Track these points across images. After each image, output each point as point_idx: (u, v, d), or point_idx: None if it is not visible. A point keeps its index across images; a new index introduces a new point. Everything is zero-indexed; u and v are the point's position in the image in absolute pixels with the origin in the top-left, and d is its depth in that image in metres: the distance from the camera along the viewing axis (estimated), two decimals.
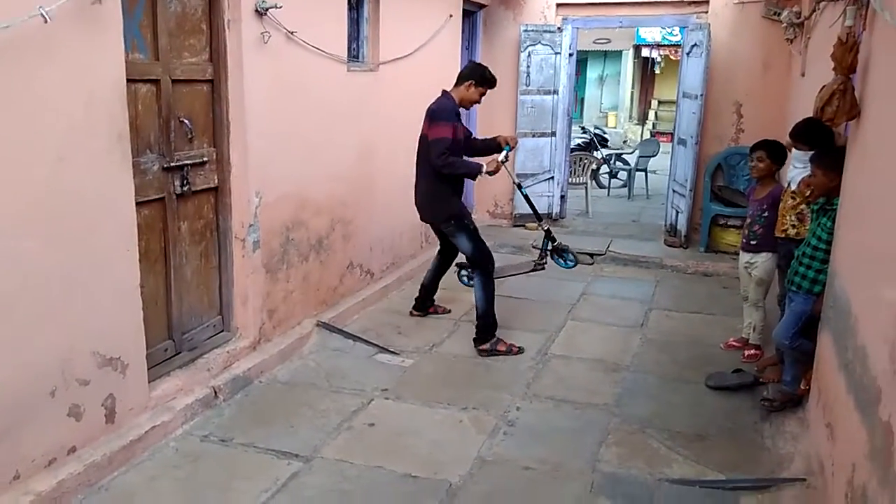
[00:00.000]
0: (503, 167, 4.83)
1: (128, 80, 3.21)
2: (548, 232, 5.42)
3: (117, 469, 3.19)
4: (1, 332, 2.73)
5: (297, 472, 3.26)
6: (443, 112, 4.61)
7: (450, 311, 5.44)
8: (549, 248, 5.44)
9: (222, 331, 4.23)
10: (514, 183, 5.19)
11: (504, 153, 4.80)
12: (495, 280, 4.83)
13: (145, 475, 3.20)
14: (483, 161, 4.72)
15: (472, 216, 8.34)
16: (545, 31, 7.83)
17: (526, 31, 7.83)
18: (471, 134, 5.04)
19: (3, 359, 2.75)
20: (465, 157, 4.78)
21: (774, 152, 4.46)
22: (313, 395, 4.06)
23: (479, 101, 4.85)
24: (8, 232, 2.71)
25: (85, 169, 3.01)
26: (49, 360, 2.94)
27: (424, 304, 5.37)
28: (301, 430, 3.63)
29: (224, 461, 3.35)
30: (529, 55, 7.88)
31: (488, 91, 4.83)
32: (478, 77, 4.70)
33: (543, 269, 5.45)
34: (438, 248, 5.35)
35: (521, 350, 4.70)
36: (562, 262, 5.51)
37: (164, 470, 3.25)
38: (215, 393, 3.85)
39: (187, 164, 3.76)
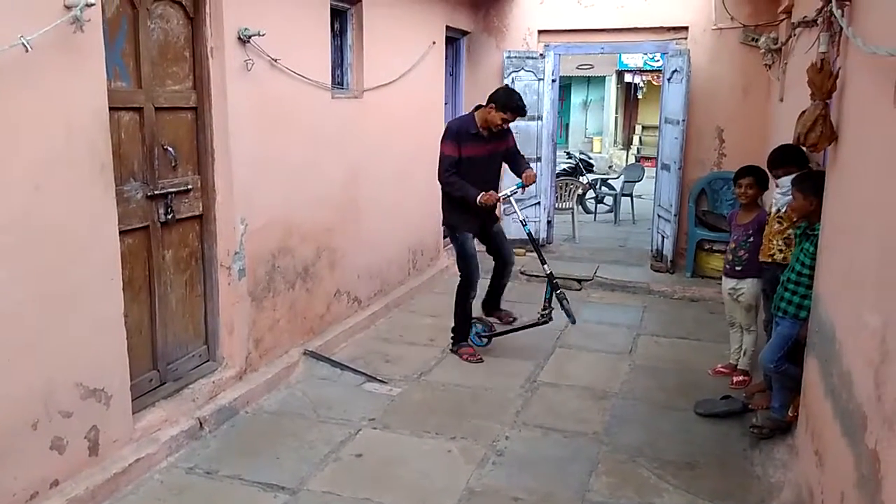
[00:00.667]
0: (512, 202, 5.12)
1: (110, 109, 3.21)
2: (550, 276, 4.95)
3: (101, 503, 3.13)
4: None
5: None
6: (448, 131, 5.00)
7: (515, 320, 5.57)
8: (552, 295, 4.96)
9: (208, 360, 4.18)
10: (520, 220, 5.05)
11: (514, 188, 5.08)
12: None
13: None
14: (487, 190, 4.89)
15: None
16: (528, 58, 7.92)
17: (509, 57, 7.91)
18: (515, 150, 5.21)
19: None
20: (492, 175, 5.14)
21: (762, 178, 4.52)
22: (300, 425, 4.01)
23: (501, 125, 4.91)
24: None
25: (65, 198, 2.99)
26: (31, 391, 2.89)
27: (487, 305, 5.65)
28: (288, 462, 3.58)
29: (209, 494, 3.30)
30: (513, 81, 7.94)
31: (517, 118, 4.95)
32: (500, 103, 4.85)
33: (550, 320, 5.03)
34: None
35: (479, 360, 4.99)
36: (566, 315, 4.87)
37: (148, 503, 3.19)
38: (201, 424, 3.80)
39: (171, 192, 3.75)
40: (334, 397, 4.37)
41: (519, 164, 5.22)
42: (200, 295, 4.11)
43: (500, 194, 4.99)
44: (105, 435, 3.25)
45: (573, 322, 4.89)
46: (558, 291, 4.88)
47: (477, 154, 4.94)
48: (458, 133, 4.93)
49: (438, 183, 5.04)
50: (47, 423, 2.96)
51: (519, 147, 8.18)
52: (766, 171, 4.47)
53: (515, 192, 5.11)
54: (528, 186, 5.11)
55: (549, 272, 4.96)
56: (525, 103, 4.91)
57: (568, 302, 4.84)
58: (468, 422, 4.06)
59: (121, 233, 3.35)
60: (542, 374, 4.83)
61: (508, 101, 4.84)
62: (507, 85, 5.22)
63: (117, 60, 3.40)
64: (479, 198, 4.81)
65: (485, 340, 5.18)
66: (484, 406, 4.29)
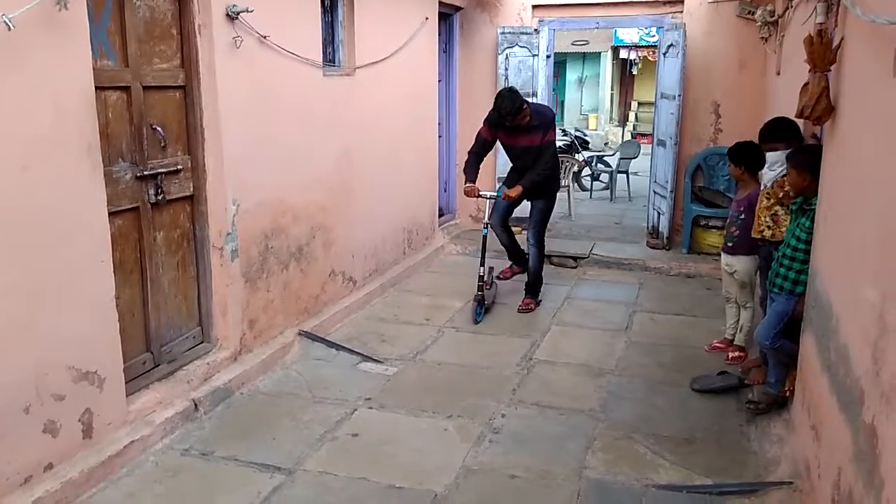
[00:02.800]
0: (483, 199, 5.54)
1: (97, 88, 3.15)
2: (482, 278, 5.40)
3: (95, 485, 3.12)
4: None
5: (280, 485, 3.21)
6: (488, 116, 5.47)
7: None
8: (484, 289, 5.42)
9: (202, 342, 4.16)
10: (483, 221, 5.52)
11: (494, 195, 5.52)
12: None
13: (124, 491, 3.13)
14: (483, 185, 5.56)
15: (454, 221, 8.35)
16: (522, 33, 7.83)
17: (503, 33, 7.82)
18: (541, 149, 5.36)
19: None
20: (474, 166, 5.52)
21: (741, 158, 4.47)
22: (296, 405, 4.00)
23: (504, 125, 5.30)
24: None
25: (53, 178, 2.94)
26: (21, 375, 2.86)
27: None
28: (283, 442, 3.57)
29: (205, 475, 3.29)
30: (507, 57, 7.87)
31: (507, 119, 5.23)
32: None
33: (483, 304, 5.41)
34: None
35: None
36: (478, 311, 5.36)
37: (143, 485, 3.18)
38: (195, 406, 3.78)
39: (161, 173, 3.69)
40: (330, 377, 4.35)
41: (532, 164, 5.39)
42: (193, 276, 4.07)
43: (482, 193, 5.46)
44: (99, 418, 3.23)
45: (474, 321, 5.29)
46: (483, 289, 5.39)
47: (508, 142, 5.46)
48: (494, 120, 5.38)
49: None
50: (39, 407, 2.94)
51: None
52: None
53: (493, 199, 5.50)
54: (505, 200, 5.43)
55: (482, 274, 5.42)
56: (506, 105, 5.10)
57: (481, 306, 5.34)
58: (464, 400, 4.05)
59: (111, 214, 3.30)
60: (538, 351, 4.83)
61: (495, 102, 5.21)
62: (510, 87, 5.64)
63: (102, 39, 3.33)
64: (465, 187, 5.47)
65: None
66: (480, 384, 4.28)
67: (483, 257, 5.41)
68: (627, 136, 18.87)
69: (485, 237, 5.48)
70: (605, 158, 11.99)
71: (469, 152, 5.52)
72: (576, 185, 10.30)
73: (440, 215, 7.78)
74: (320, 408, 3.95)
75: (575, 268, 7.00)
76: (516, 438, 3.65)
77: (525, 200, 5.65)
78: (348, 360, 4.62)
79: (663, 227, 7.43)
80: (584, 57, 22.96)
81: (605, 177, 11.42)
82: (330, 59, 5.29)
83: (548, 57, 7.96)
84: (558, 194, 9.21)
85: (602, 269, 6.98)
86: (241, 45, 4.04)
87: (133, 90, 3.50)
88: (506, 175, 5.80)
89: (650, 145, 8.20)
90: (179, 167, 3.84)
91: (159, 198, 3.69)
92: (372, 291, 5.82)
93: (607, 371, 4.50)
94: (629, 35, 19.74)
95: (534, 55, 7.87)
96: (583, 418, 3.87)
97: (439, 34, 7.20)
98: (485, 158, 5.61)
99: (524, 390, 4.22)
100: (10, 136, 2.75)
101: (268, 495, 3.12)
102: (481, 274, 5.36)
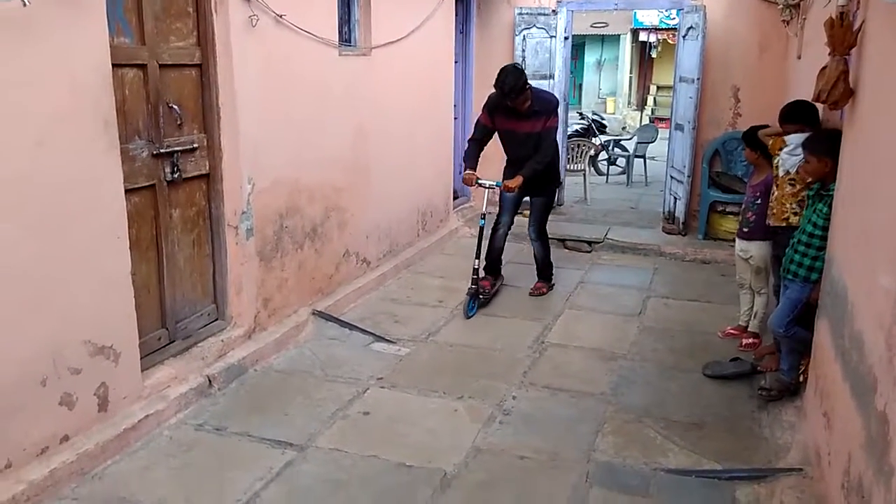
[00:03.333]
0: (482, 189, 5.22)
1: (113, 65, 3.16)
2: (476, 271, 5.14)
3: (111, 458, 3.17)
4: None
5: (292, 460, 3.25)
6: (487, 100, 5.24)
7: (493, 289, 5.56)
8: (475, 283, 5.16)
9: (217, 319, 4.20)
10: (482, 212, 5.25)
11: (493, 184, 5.18)
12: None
13: (139, 464, 3.18)
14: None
15: (469, 203, 8.33)
16: (540, 14, 7.75)
17: (520, 14, 7.75)
18: (542, 136, 5.10)
19: None
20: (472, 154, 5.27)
21: (752, 140, 4.42)
22: (309, 383, 4.03)
23: (514, 105, 5.01)
24: None
25: (69, 155, 2.97)
26: (39, 348, 2.91)
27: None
28: (296, 419, 3.61)
29: (218, 450, 3.33)
30: (524, 39, 7.81)
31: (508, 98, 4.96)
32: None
33: (478, 298, 5.21)
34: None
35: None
36: (471, 305, 5.14)
37: (157, 459, 3.23)
38: (210, 382, 3.83)
39: (177, 151, 3.71)
40: (343, 357, 4.38)
41: (531, 153, 5.14)
42: (208, 254, 4.10)
43: (481, 181, 5.15)
44: (114, 392, 3.28)
45: (466, 315, 5.06)
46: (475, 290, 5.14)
47: (508, 128, 5.18)
48: (493, 104, 5.15)
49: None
50: (56, 380, 2.99)
51: None
52: (767, 131, 4.36)
53: (491, 188, 5.19)
54: (506, 191, 5.19)
55: (476, 267, 5.13)
56: (509, 81, 4.83)
57: (475, 300, 5.12)
58: (475, 382, 4.07)
59: (127, 191, 3.33)
60: (550, 335, 4.83)
61: (497, 78, 4.91)
62: (514, 63, 5.37)
63: (119, 16, 3.34)
64: (464, 173, 5.19)
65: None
66: (491, 366, 4.30)
67: (479, 248, 5.19)
68: (645, 121, 18.69)
69: (481, 228, 5.24)
70: (622, 142, 11.89)
71: (469, 140, 5.34)
72: (592, 169, 10.22)
73: (455, 197, 7.77)
74: (333, 386, 3.99)
75: (589, 252, 6.98)
76: (526, 420, 3.67)
77: (525, 197, 5.46)
78: (361, 339, 4.64)
79: (680, 212, 7.37)
80: (602, 39, 22.76)
81: (621, 161, 11.33)
82: (346, 38, 5.28)
83: (566, 39, 7.88)
84: (574, 179, 9.16)
85: (617, 253, 6.95)
86: (257, 23, 4.03)
87: (149, 68, 3.51)
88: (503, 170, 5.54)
89: (668, 130, 8.13)
90: (195, 145, 3.86)
91: (175, 176, 3.72)
92: (386, 272, 5.84)
93: (619, 355, 4.50)
94: (649, 17, 19.52)
95: (551, 37, 7.80)
96: (593, 401, 3.88)
97: (456, 14, 7.14)
98: (486, 147, 5.35)
99: (535, 373, 4.23)
100: (27, 112, 2.78)
101: (280, 470, 3.16)
102: (476, 266, 5.11)
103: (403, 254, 6.26)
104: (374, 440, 3.43)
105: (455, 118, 7.56)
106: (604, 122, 14.66)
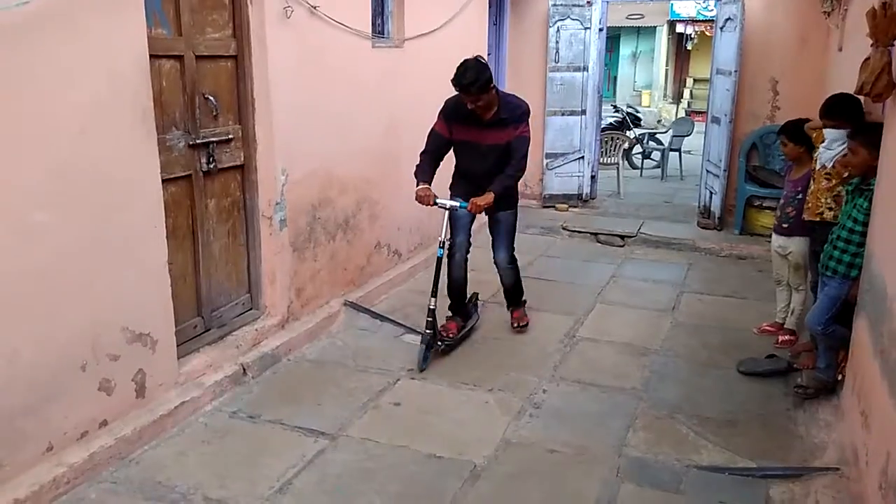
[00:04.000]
0: (441, 210, 4.20)
1: (151, 56, 3.21)
2: (432, 312, 4.13)
3: (147, 443, 3.24)
4: (30, 307, 2.77)
5: (323, 449, 3.28)
6: (443, 105, 4.33)
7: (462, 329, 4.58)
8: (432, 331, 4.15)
9: (251, 308, 4.26)
10: (440, 240, 4.22)
11: (457, 205, 4.16)
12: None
13: (174, 449, 3.24)
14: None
15: None
16: (574, 6, 7.68)
17: (555, 5, 7.69)
18: (512, 148, 4.19)
19: (34, 333, 2.80)
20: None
21: (795, 134, 4.33)
22: (340, 373, 4.07)
23: (472, 106, 4.06)
24: (30, 205, 2.74)
25: (109, 144, 3.02)
26: (79, 334, 2.98)
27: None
28: (328, 409, 3.65)
29: (252, 437, 3.38)
30: (558, 30, 7.75)
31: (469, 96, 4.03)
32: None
33: (436, 345, 4.21)
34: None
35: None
36: (426, 354, 4.12)
37: (192, 445, 3.29)
38: (244, 370, 3.88)
39: (213, 142, 3.76)
40: (373, 347, 4.41)
41: (500, 172, 4.19)
42: (243, 244, 4.16)
43: (440, 201, 4.13)
44: (151, 378, 3.35)
45: (419, 368, 4.06)
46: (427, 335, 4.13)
47: (468, 139, 4.21)
48: (451, 111, 4.23)
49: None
50: (95, 366, 3.06)
51: (564, 99, 7.97)
52: (814, 123, 4.26)
53: (455, 209, 4.18)
54: (474, 212, 4.17)
55: (432, 307, 4.14)
56: (469, 75, 3.94)
57: (430, 349, 4.14)
58: (505, 374, 4.07)
59: (164, 181, 3.38)
60: (581, 329, 4.80)
61: (454, 77, 4.00)
62: (478, 56, 4.17)
63: (157, 8, 3.39)
64: (416, 190, 4.16)
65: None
66: (522, 359, 4.29)
67: (436, 284, 4.15)
68: (681, 114, 18.42)
69: (440, 259, 4.19)
70: (657, 136, 11.74)
71: (421, 153, 4.29)
72: (626, 162, 10.12)
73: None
74: (364, 377, 4.02)
75: (622, 246, 6.91)
76: (557, 414, 3.66)
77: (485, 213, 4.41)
78: (391, 331, 4.67)
79: (715, 206, 7.26)
80: (638, 31, 22.46)
81: (656, 155, 11.19)
82: (379, 30, 5.29)
83: (600, 30, 7.81)
84: (607, 172, 9.05)
85: (650, 248, 6.88)
86: (291, 15, 4.06)
87: (186, 59, 3.56)
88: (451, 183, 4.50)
89: (704, 123, 8.01)
90: (231, 136, 3.91)
91: (211, 166, 3.77)
92: (416, 265, 5.86)
93: (651, 350, 4.46)
94: (686, 9, 19.21)
95: (586, 28, 7.73)
96: (625, 397, 3.85)
97: (489, 6, 7.11)
98: (442, 161, 4.37)
99: (566, 367, 4.21)
100: (67, 102, 2.84)
101: (312, 458, 3.20)
102: (431, 306, 4.11)
103: (434, 246, 6.24)
104: (405, 431, 3.45)
105: None
106: (638, 115, 14.47)
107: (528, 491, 3.02)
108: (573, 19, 7.72)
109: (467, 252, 4.49)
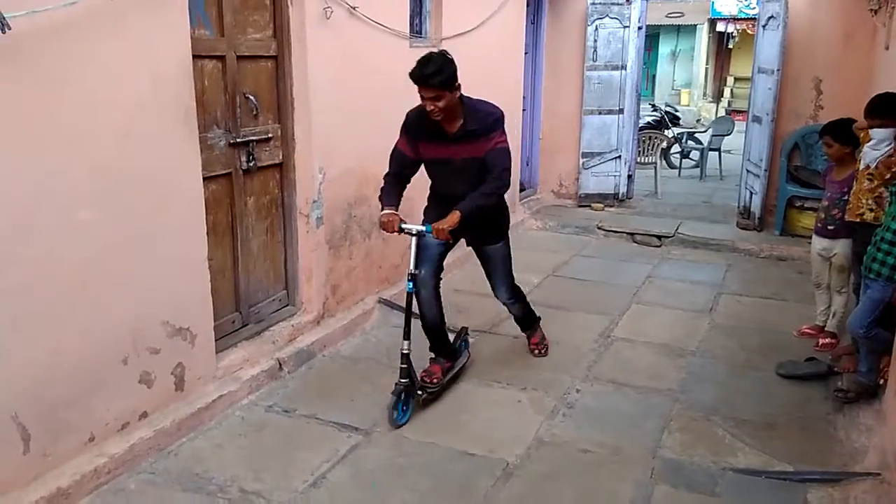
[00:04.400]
0: (412, 242, 3.60)
1: (194, 57, 3.28)
2: (405, 357, 3.56)
3: (185, 435, 3.31)
4: (74, 301, 2.85)
5: (357, 444, 3.32)
6: (404, 119, 3.71)
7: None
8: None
9: (287, 305, 4.32)
10: (409, 272, 3.64)
11: (423, 230, 3.56)
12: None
13: (212, 442, 3.31)
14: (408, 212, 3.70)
15: (536, 196, 8.25)
16: (613, 4, 7.62)
17: (593, 3, 7.64)
18: (488, 163, 3.55)
19: (78, 326, 2.88)
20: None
21: (841, 134, 4.22)
22: (374, 370, 4.10)
23: (432, 110, 3.44)
24: (76, 202, 2.82)
25: (152, 143, 3.10)
26: (121, 328, 3.06)
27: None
28: (361, 404, 3.68)
29: (287, 431, 3.43)
30: (597, 29, 7.70)
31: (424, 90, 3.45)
32: None
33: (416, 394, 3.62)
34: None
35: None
36: (401, 408, 3.50)
37: (229, 438, 3.35)
38: (280, 365, 3.94)
39: (253, 140, 3.83)
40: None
41: (474, 190, 3.51)
42: (280, 241, 4.22)
43: (406, 226, 3.57)
44: (190, 372, 3.42)
45: (395, 424, 3.46)
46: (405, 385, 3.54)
47: (438, 157, 3.60)
48: (413, 124, 3.60)
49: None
50: (136, 359, 3.14)
51: (601, 98, 7.91)
52: (860, 123, 4.16)
53: (421, 234, 3.58)
54: (436, 237, 3.52)
55: (405, 351, 3.55)
56: (424, 69, 3.39)
57: (406, 401, 3.54)
58: (539, 374, 4.06)
59: (205, 179, 3.45)
60: (616, 329, 4.76)
61: (412, 69, 3.44)
62: (443, 50, 3.63)
63: (200, 9, 3.46)
64: (380, 216, 3.62)
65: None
66: (555, 359, 4.27)
67: (408, 326, 3.57)
68: (721, 113, 18.12)
69: (409, 295, 3.64)
70: (695, 135, 11.57)
71: (385, 175, 3.72)
72: (663, 162, 9.99)
73: (521, 189, 7.73)
74: (397, 373, 4.03)
75: (659, 247, 6.84)
76: (590, 414, 3.64)
77: (468, 245, 3.91)
78: None
79: (755, 207, 7.14)
80: (678, 29, 22.16)
81: (695, 154, 11.03)
82: (417, 30, 5.31)
83: (639, 29, 7.73)
84: (645, 172, 8.91)
85: (688, 248, 6.78)
86: (331, 15, 4.11)
87: (228, 59, 3.63)
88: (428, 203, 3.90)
89: (745, 122, 7.87)
90: (270, 135, 3.97)
91: (251, 165, 3.83)
92: (450, 264, 5.82)
93: (688, 352, 4.40)
94: (727, 6, 18.89)
95: (625, 27, 7.66)
96: (660, 398, 3.81)
97: (527, 4, 7.09)
98: (409, 183, 3.79)
99: (601, 367, 4.18)
100: (113, 101, 2.92)
101: (345, 453, 3.24)
102: (405, 351, 3.53)
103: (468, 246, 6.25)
104: (437, 428, 3.47)
105: (523, 110, 7.52)
106: (677, 113, 14.29)
107: (560, 491, 3.02)
108: (612, 18, 7.66)
109: (435, 287, 3.80)
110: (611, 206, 8.00)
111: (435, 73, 3.34)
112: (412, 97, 5.12)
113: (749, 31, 18.86)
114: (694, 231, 7.05)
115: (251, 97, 3.80)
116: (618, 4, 7.60)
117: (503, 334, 4.65)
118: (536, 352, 4.29)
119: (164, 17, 3.09)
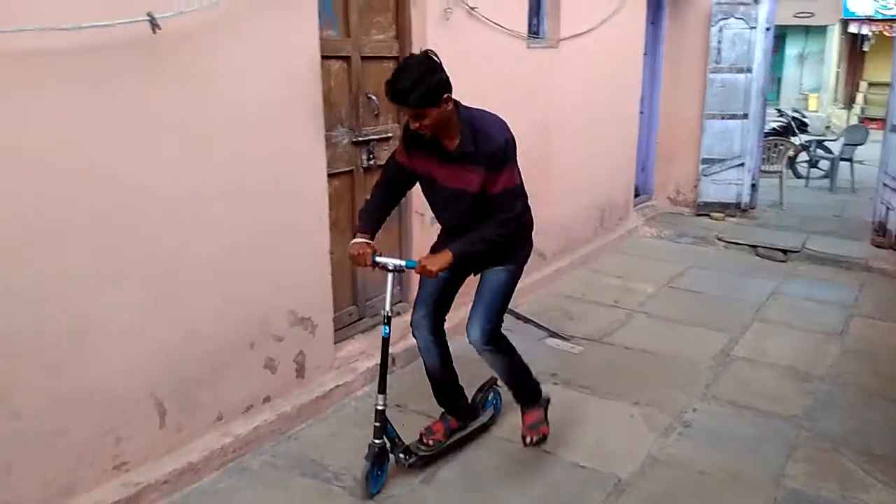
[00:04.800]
0: (388, 276, 2.96)
1: (322, 57, 3.38)
2: (381, 414, 2.99)
3: (304, 421, 3.43)
4: (207, 289, 3.01)
5: (468, 445, 3.32)
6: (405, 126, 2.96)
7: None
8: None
9: (400, 301, 4.38)
10: (383, 313, 3.03)
11: (402, 266, 2.96)
12: None
13: (328, 430, 3.41)
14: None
15: (651, 202, 8.02)
16: (739, 4, 7.29)
17: (718, 3, 7.34)
18: (493, 198, 2.89)
19: (210, 312, 3.04)
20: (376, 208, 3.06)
21: None
22: (482, 371, 4.08)
23: (418, 127, 2.76)
24: (218, 196, 2.98)
25: (282, 140, 3.23)
26: (249, 315, 3.21)
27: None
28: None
29: (399, 425, 3.40)
30: (721, 30, 7.39)
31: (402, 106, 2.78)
32: None
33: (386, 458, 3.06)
34: None
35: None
36: (374, 475, 2.95)
37: (345, 427, 3.44)
38: (393, 360, 4.00)
39: (373, 139, 3.91)
40: (517, 349, 4.39)
41: (472, 229, 2.88)
42: (396, 238, 4.29)
43: (380, 259, 2.93)
44: (310, 360, 3.54)
45: (367, 495, 2.93)
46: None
47: (428, 174, 2.93)
48: (411, 131, 2.83)
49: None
50: (262, 345, 3.28)
51: (724, 102, 7.61)
52: None
53: (400, 270, 2.97)
54: (421, 273, 2.88)
55: (380, 407, 2.99)
56: (397, 82, 2.66)
57: (380, 465, 2.99)
58: (652, 389, 3.93)
59: (329, 175, 3.57)
60: (736, 347, 4.54)
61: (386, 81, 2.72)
62: (428, 50, 2.86)
63: (328, 10, 3.57)
64: (350, 244, 2.96)
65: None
66: (670, 375, 4.12)
67: (383, 379, 3.00)
68: (853, 120, 16.97)
69: (385, 339, 3.00)
70: (825, 143, 10.88)
71: (373, 187, 3.11)
72: (790, 171, 9.46)
73: (635, 195, 7.53)
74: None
75: (784, 262, 6.47)
76: (708, 435, 3.48)
77: (473, 273, 3.22)
78: (535, 333, 4.64)
79: (892, 224, 6.62)
80: (806, 30, 20.94)
81: (824, 164, 10.38)
82: (534, 30, 5.26)
83: (767, 29, 7.37)
84: (769, 181, 8.44)
85: (815, 265, 6.39)
86: (450, 16, 4.13)
87: (353, 60, 3.73)
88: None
89: (881, 131, 7.33)
90: (389, 135, 4.04)
91: (370, 163, 3.92)
92: (561, 268, 5.79)
93: (815, 377, 4.14)
94: (861, 6, 17.67)
95: (751, 27, 7.32)
96: (784, 424, 3.60)
97: (648, 4, 6.89)
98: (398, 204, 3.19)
99: (719, 386, 4.00)
100: (247, 99, 3.05)
101: (456, 453, 3.25)
102: (379, 407, 2.96)
103: (580, 250, 6.16)
104: (549, 437, 3.41)
105: (640, 112, 7.31)
106: (805, 120, 13.48)
107: None
108: (738, 18, 7.34)
109: (434, 331, 3.21)
110: (732, 216, 7.65)
111: (410, 88, 2.63)
112: (530, 98, 5.11)
113: (886, 33, 17.59)
114: (823, 246, 6.63)
115: (373, 97, 3.88)
116: (745, 4, 7.27)
117: (615, 344, 4.54)
118: (528, 438, 3.15)
119: (296, 18, 3.21)
